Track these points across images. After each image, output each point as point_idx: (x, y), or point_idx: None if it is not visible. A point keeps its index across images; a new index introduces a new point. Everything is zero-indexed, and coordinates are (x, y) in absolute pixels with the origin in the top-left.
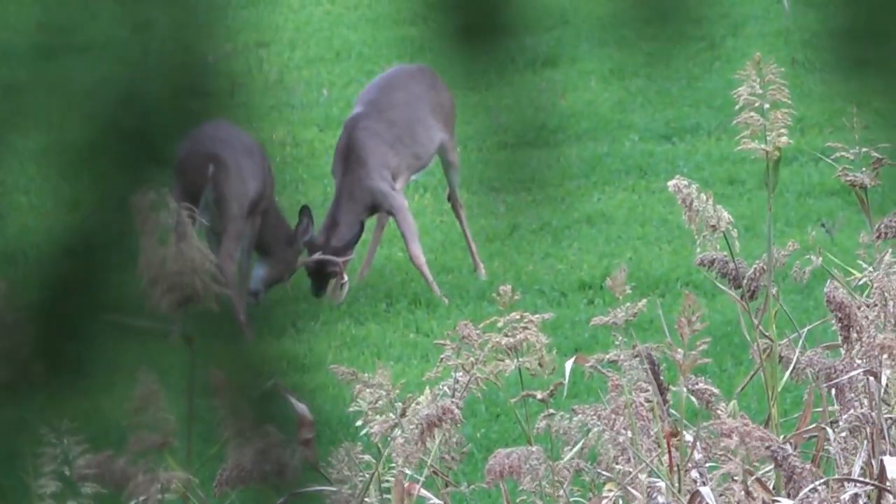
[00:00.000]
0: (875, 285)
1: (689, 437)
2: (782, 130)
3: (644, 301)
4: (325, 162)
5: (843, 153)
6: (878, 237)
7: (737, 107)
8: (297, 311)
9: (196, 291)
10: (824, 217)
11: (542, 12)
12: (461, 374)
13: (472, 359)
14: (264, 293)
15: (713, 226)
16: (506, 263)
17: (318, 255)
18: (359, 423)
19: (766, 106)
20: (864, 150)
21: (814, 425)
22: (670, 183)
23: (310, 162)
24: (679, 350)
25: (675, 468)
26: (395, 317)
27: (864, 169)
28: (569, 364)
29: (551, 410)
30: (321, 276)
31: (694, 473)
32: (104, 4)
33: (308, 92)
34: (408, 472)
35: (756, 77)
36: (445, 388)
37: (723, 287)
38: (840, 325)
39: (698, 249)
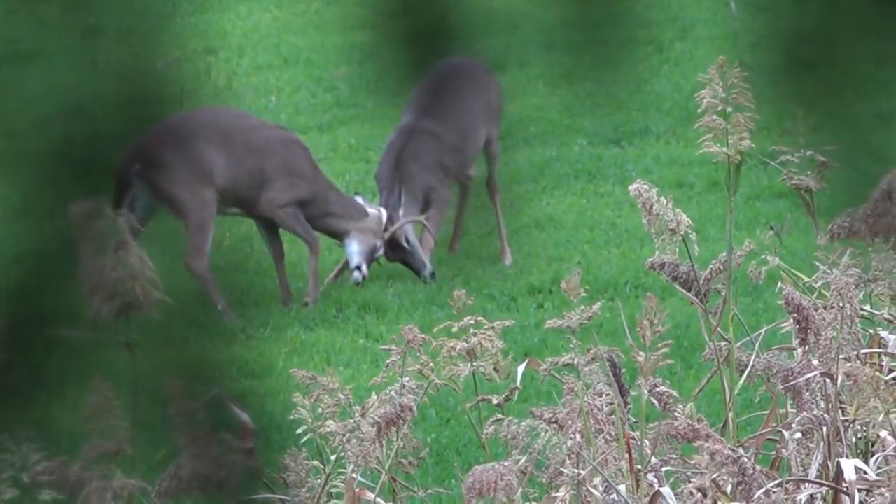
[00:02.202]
0: (833, 287)
1: (642, 441)
2: (744, 134)
3: (598, 304)
4: None
5: (789, 157)
6: (832, 237)
7: (699, 110)
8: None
9: (137, 299)
10: (773, 220)
11: (490, 17)
12: (408, 379)
13: (428, 363)
14: (367, 270)
15: (672, 229)
16: (455, 268)
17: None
18: (300, 430)
19: (729, 109)
20: (809, 153)
21: (769, 429)
22: (631, 186)
23: None
24: (640, 353)
25: (634, 471)
26: (344, 322)
27: (808, 172)
28: (521, 368)
29: (499, 416)
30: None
31: (651, 477)
32: (52, 11)
33: (256, 98)
34: (358, 477)
35: (719, 81)
36: (392, 392)
37: (679, 289)
38: (797, 326)
39: (657, 252)
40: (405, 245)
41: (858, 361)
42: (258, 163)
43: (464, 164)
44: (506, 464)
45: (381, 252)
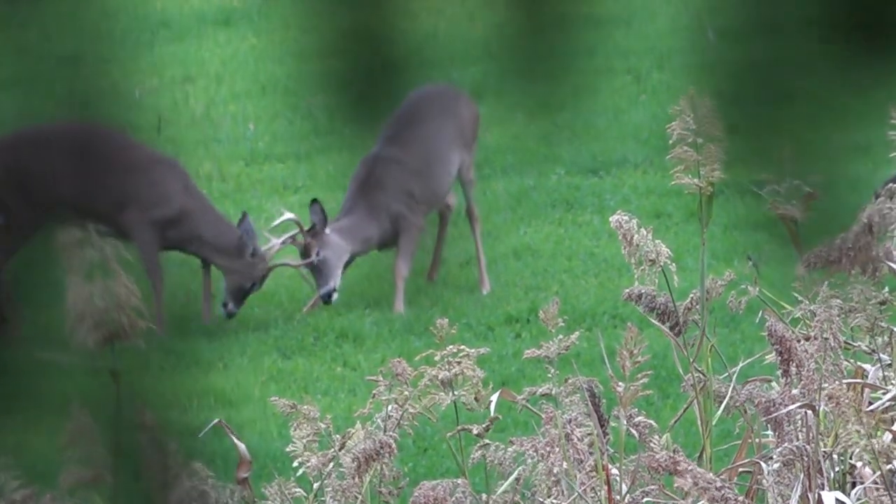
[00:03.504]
0: (816, 318)
1: (621, 472)
2: (716, 165)
3: (576, 334)
4: (251, 196)
5: (774, 186)
6: (808, 267)
7: (671, 141)
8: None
9: (122, 328)
10: (750, 250)
11: (467, 46)
12: (393, 408)
13: (405, 393)
14: (235, 308)
15: (652, 260)
16: (433, 297)
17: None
18: (295, 462)
19: (700, 140)
20: (796, 182)
21: (744, 461)
22: (612, 217)
23: (236, 196)
24: (619, 383)
25: (613, 503)
26: (322, 350)
27: (794, 202)
28: (494, 398)
29: (486, 441)
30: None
31: None
32: (30, 38)
33: (234, 126)
34: None
35: (689, 112)
36: (379, 421)
37: (653, 321)
38: (780, 358)
39: (637, 283)
40: (313, 258)
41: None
42: (117, 180)
43: (435, 190)
44: (458, 482)
45: (255, 289)
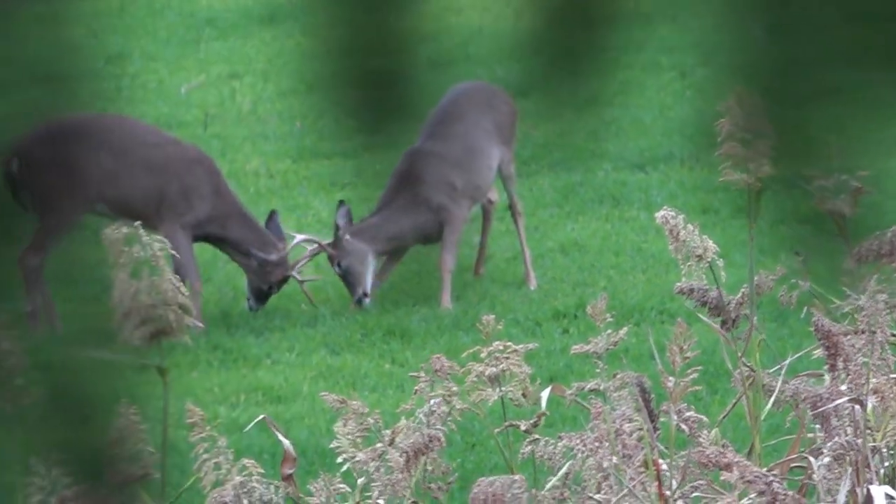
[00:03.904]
0: (863, 313)
1: (671, 467)
2: (764, 161)
3: (625, 330)
4: (298, 193)
5: (820, 181)
6: (858, 261)
7: (719, 137)
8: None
9: (168, 324)
10: (797, 245)
11: (512, 42)
12: (437, 403)
13: (452, 389)
14: (256, 305)
15: (699, 256)
16: (480, 292)
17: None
18: (340, 458)
19: (748, 136)
20: (843, 177)
21: (795, 455)
22: (658, 213)
23: (283, 193)
24: (669, 378)
25: (664, 497)
26: (370, 347)
27: (842, 196)
28: (545, 394)
29: (536, 436)
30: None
31: (680, 503)
32: (77, 36)
33: (281, 124)
34: (382, 503)
35: (738, 108)
36: (421, 415)
37: (702, 317)
38: (827, 353)
39: (684, 279)
40: (336, 269)
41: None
42: (155, 181)
43: (477, 183)
44: (515, 478)
45: (274, 292)
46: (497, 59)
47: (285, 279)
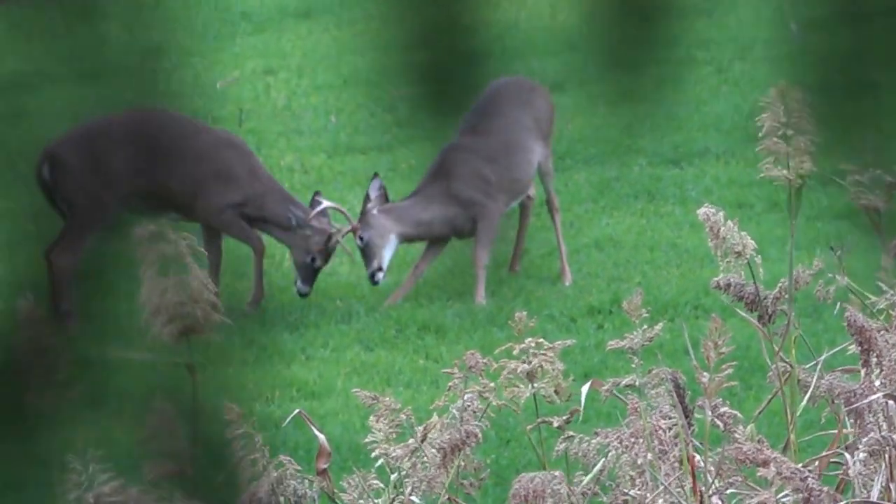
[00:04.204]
0: None
1: (706, 463)
2: (805, 157)
3: (660, 325)
4: (332, 188)
5: (857, 177)
6: (894, 255)
7: (760, 133)
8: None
9: (198, 321)
10: (833, 240)
11: (549, 36)
12: (470, 398)
13: (488, 385)
14: (304, 287)
15: (738, 252)
16: (515, 288)
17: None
18: (374, 453)
19: (789, 132)
20: (877, 172)
21: (830, 451)
22: (700, 210)
23: (318, 188)
24: (704, 374)
25: (699, 494)
26: (404, 343)
27: (876, 192)
28: (585, 389)
29: (571, 433)
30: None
31: (715, 500)
32: (113, 31)
33: (316, 118)
34: (417, 500)
35: (779, 103)
36: (454, 410)
37: (741, 312)
38: (860, 349)
39: (722, 275)
40: (358, 241)
41: None
42: (188, 168)
43: (516, 177)
44: (556, 474)
45: (318, 265)
46: (533, 54)
47: (329, 254)
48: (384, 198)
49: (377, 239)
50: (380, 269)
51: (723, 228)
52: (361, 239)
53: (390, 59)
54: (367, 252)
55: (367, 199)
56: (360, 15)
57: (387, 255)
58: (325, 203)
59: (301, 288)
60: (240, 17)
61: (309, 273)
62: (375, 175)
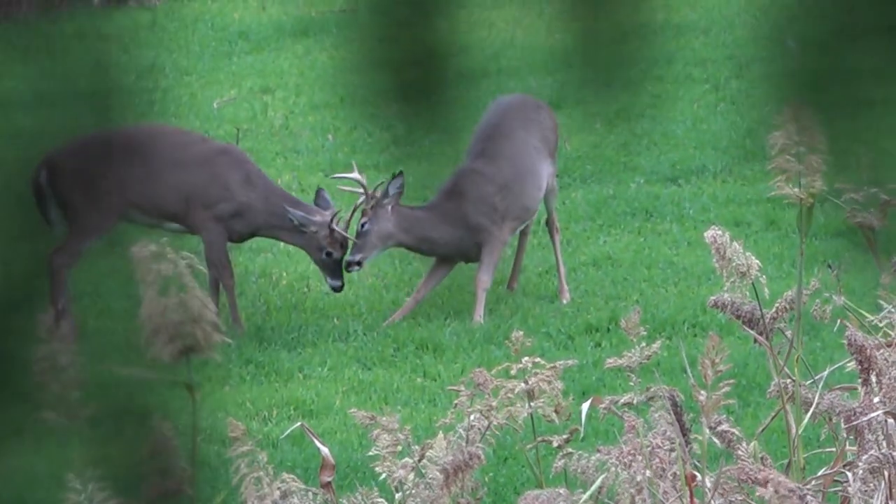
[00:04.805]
0: None
1: (705, 481)
2: (816, 176)
3: (658, 343)
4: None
5: (852, 195)
6: (894, 273)
7: (772, 152)
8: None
9: (197, 341)
10: (830, 258)
11: (545, 55)
12: (476, 418)
13: (491, 403)
14: (334, 282)
15: (743, 273)
16: (513, 306)
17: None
18: (378, 469)
19: (802, 150)
20: (873, 190)
21: (834, 469)
22: (707, 233)
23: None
24: (701, 391)
25: None
26: (402, 361)
27: (871, 210)
28: (585, 406)
29: (570, 450)
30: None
31: None
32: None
33: (313, 137)
34: None
35: (791, 122)
36: (461, 430)
37: (745, 328)
38: (860, 367)
39: (726, 294)
40: (360, 226)
41: None
42: (181, 176)
43: (525, 205)
44: (560, 491)
45: (336, 257)
46: (529, 72)
47: (342, 243)
48: (399, 196)
49: (376, 238)
50: (360, 263)
51: (729, 249)
52: (363, 226)
53: (386, 78)
54: (360, 241)
55: (385, 193)
56: (356, 34)
57: (375, 254)
58: (355, 174)
59: (331, 283)
60: (237, 36)
61: (331, 267)
62: (400, 173)
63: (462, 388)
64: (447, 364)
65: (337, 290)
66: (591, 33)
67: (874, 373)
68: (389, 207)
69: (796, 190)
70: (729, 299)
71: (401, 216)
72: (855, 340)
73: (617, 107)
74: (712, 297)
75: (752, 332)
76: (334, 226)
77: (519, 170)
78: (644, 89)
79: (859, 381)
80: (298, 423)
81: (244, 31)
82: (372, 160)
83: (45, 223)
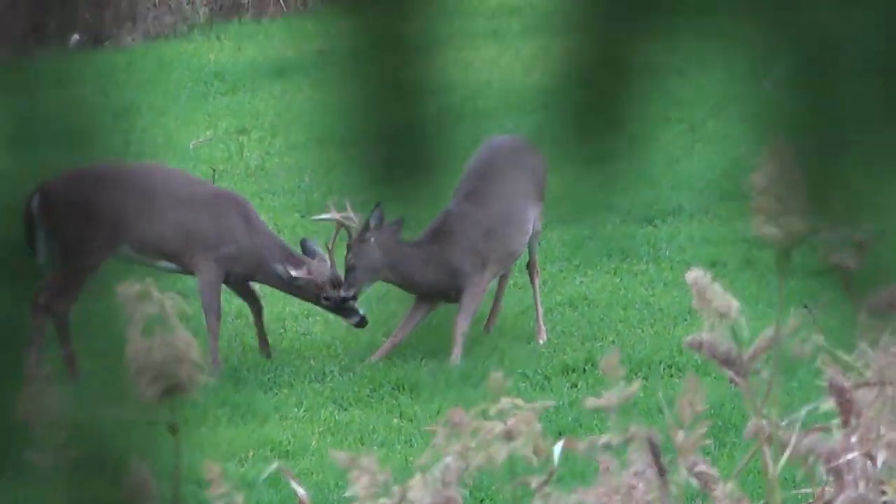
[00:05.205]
0: (874, 366)
1: None
2: (797, 217)
3: (637, 384)
4: None
5: (826, 234)
6: (871, 312)
7: (753, 192)
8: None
9: (181, 381)
10: (806, 298)
11: (522, 96)
12: (453, 458)
13: (468, 445)
14: (351, 320)
15: (723, 314)
16: (489, 347)
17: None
18: None
19: (783, 191)
20: (848, 230)
21: None
22: (688, 275)
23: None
24: (679, 431)
25: None
26: (378, 402)
27: (847, 250)
28: (558, 447)
29: (547, 490)
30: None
31: None
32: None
33: (289, 178)
34: None
35: (773, 162)
36: (438, 472)
37: (723, 368)
38: (840, 410)
39: (703, 335)
40: (346, 259)
41: None
42: (182, 217)
43: (509, 249)
44: None
45: (337, 296)
46: (506, 113)
47: (335, 281)
48: (380, 224)
49: (363, 272)
50: (354, 298)
51: (709, 291)
52: (348, 260)
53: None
54: (350, 277)
55: (366, 225)
56: (333, 74)
57: (366, 287)
58: (333, 214)
59: (350, 322)
60: (213, 76)
61: (335, 307)
62: (378, 204)
63: (439, 428)
64: (423, 404)
65: (359, 325)
66: (568, 74)
67: (854, 415)
68: (372, 240)
69: (776, 230)
70: (706, 339)
71: (386, 250)
72: (836, 383)
73: (593, 147)
74: (688, 338)
75: (733, 374)
76: (328, 286)
77: (506, 214)
78: (620, 130)
79: (839, 422)
80: (275, 465)
81: (220, 71)
82: (348, 201)
83: (32, 254)
